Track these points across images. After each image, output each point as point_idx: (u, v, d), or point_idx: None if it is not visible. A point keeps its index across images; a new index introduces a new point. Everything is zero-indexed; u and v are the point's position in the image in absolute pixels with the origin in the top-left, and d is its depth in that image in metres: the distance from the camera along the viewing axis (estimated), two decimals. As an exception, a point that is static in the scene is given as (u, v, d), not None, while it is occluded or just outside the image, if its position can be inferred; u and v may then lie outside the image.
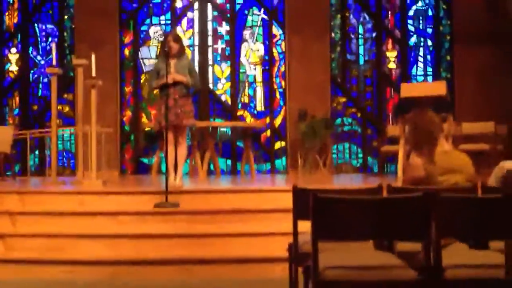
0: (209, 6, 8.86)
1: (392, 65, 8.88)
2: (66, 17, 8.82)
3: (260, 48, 8.85)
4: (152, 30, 8.84)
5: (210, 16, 8.86)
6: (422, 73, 8.89)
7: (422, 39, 8.91)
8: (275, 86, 8.79)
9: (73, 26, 8.65)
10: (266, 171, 8.61)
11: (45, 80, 8.77)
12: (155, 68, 5.35)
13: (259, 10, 8.86)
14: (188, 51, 8.05)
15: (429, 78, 8.82)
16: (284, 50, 8.74)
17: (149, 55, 8.82)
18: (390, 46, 8.89)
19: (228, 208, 4.59)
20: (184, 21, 8.88)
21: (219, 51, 8.85)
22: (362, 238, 2.69)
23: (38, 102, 8.85)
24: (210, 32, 8.83)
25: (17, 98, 8.83)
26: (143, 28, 8.83)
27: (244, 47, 8.84)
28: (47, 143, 7.76)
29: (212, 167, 7.92)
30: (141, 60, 8.82)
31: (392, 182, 3.00)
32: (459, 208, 2.40)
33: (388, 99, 8.86)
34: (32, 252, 4.24)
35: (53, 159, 5.68)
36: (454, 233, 2.49)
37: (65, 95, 8.66)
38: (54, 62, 6.08)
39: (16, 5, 8.89)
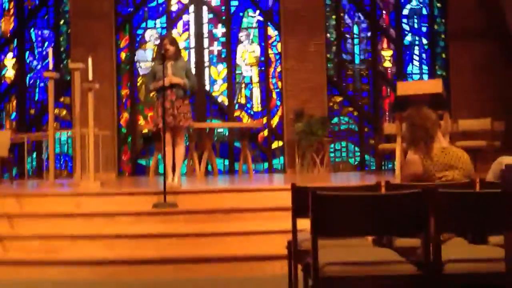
0: (205, 8, 8.87)
1: (387, 64, 8.91)
2: (61, 21, 8.83)
3: (256, 49, 8.87)
4: (148, 34, 8.85)
5: (205, 19, 8.87)
6: (418, 71, 8.93)
7: (417, 38, 8.95)
8: (272, 87, 8.81)
9: (69, 31, 8.65)
10: (264, 171, 8.63)
11: (42, 84, 8.77)
12: (152, 71, 5.36)
13: (254, 12, 8.88)
14: (184, 54, 8.06)
15: (425, 76, 8.86)
16: (280, 51, 8.76)
17: (145, 58, 8.83)
18: (385, 45, 8.92)
19: (226, 207, 4.60)
20: (180, 24, 8.89)
21: (215, 53, 8.87)
22: (361, 234, 2.70)
23: (35, 106, 8.84)
24: (206, 34, 8.84)
25: (14, 103, 8.83)
26: (139, 31, 8.83)
27: (240, 48, 8.86)
28: (45, 147, 7.76)
29: (209, 167, 7.92)
30: (137, 63, 8.83)
31: (390, 179, 3.01)
32: (458, 204, 2.41)
33: (384, 97, 8.89)
34: (30, 253, 4.23)
35: (51, 161, 5.67)
36: (453, 228, 2.50)
37: (62, 99, 8.66)
38: (50, 67, 6.08)
39: (12, 11, 8.89)
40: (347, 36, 8.89)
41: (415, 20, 8.95)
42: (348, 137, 8.77)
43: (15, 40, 8.88)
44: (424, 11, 8.95)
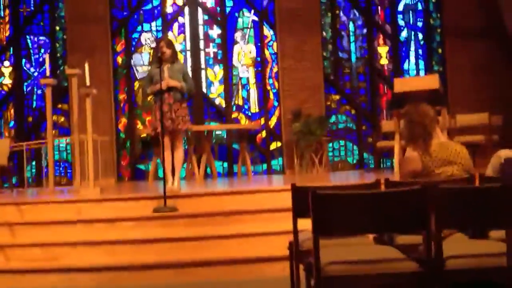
0: (200, 10, 8.87)
1: (384, 60, 8.91)
2: (57, 28, 8.82)
3: (252, 49, 8.86)
4: (143, 37, 8.85)
5: (201, 20, 8.86)
6: (415, 67, 8.93)
7: (413, 34, 8.95)
8: (269, 87, 8.81)
9: (65, 37, 8.65)
10: (263, 172, 8.62)
11: (39, 91, 8.76)
12: (148, 75, 5.35)
13: (250, 12, 8.87)
14: (180, 56, 8.06)
15: (422, 72, 8.86)
16: (276, 51, 8.76)
17: (141, 62, 8.82)
18: (381, 41, 8.92)
19: (226, 210, 4.60)
20: (176, 26, 8.88)
21: (211, 54, 8.86)
22: (363, 232, 2.70)
23: (33, 114, 8.83)
24: (201, 36, 8.84)
25: (12, 111, 8.82)
26: (135, 35, 8.83)
27: (236, 49, 8.85)
28: (44, 154, 7.75)
29: (208, 170, 7.91)
30: (134, 67, 8.82)
31: (389, 177, 3.01)
32: (458, 199, 2.41)
33: (381, 94, 8.89)
34: (32, 261, 4.23)
35: (50, 169, 5.67)
36: (454, 224, 2.50)
37: (60, 106, 8.64)
38: (47, 73, 6.08)
39: (7, 19, 8.88)
40: (343, 33, 8.90)
41: (411, 16, 8.96)
42: (346, 135, 8.77)
43: (11, 48, 8.87)
44: (420, 7, 8.95)
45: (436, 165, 3.04)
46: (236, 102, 8.84)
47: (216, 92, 8.85)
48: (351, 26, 8.91)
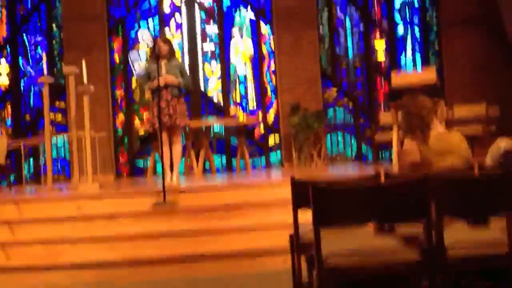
0: (197, 7, 8.85)
1: (381, 55, 8.92)
2: (54, 26, 8.80)
3: (249, 46, 8.86)
4: (140, 34, 8.83)
5: (198, 18, 8.86)
6: (411, 61, 8.94)
7: (409, 29, 8.96)
8: (266, 83, 8.81)
9: (62, 35, 8.62)
10: (261, 166, 8.63)
11: (36, 89, 8.74)
12: (146, 71, 5.34)
13: (246, 9, 8.87)
14: (178, 54, 8.04)
15: (418, 67, 8.87)
16: (273, 47, 8.76)
17: (138, 59, 8.81)
18: (378, 37, 8.93)
19: (226, 203, 4.60)
20: (173, 24, 8.87)
21: (209, 51, 8.86)
22: (363, 222, 2.71)
23: (30, 112, 8.82)
24: (198, 34, 8.83)
25: (9, 109, 8.80)
26: (132, 32, 8.82)
27: (233, 45, 8.85)
28: (41, 151, 7.73)
29: (207, 165, 7.92)
30: (131, 64, 8.81)
31: (388, 169, 3.02)
32: (458, 189, 2.42)
33: (378, 88, 8.90)
34: (32, 258, 4.23)
35: (48, 166, 5.66)
36: (454, 213, 2.51)
37: (57, 103, 8.63)
38: (45, 71, 6.06)
39: (4, 18, 8.85)
40: (340, 29, 8.90)
41: (407, 11, 8.96)
42: (344, 129, 8.78)
43: (8, 46, 8.84)
44: (416, 3, 8.96)
45: (434, 155, 3.05)
46: (234, 97, 8.85)
47: (214, 88, 8.86)
48: (347, 22, 8.91)
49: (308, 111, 8.17)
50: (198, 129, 7.76)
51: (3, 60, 8.83)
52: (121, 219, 4.49)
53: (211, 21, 8.85)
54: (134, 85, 8.76)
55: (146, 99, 8.21)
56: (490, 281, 2.52)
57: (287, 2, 8.48)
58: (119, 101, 8.74)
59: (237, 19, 8.84)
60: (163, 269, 4.08)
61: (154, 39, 7.10)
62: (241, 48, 8.86)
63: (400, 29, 8.93)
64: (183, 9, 8.85)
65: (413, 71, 8.41)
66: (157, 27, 8.80)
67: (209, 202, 4.68)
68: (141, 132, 8.24)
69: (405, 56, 8.95)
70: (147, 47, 8.67)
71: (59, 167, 8.57)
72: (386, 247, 2.45)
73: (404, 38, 8.94)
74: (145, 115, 8.43)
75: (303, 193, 2.59)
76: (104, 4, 8.63)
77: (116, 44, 8.78)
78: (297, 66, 8.48)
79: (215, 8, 8.84)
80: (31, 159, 8.50)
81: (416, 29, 8.94)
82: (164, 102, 5.05)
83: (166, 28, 8.77)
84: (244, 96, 8.84)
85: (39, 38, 8.84)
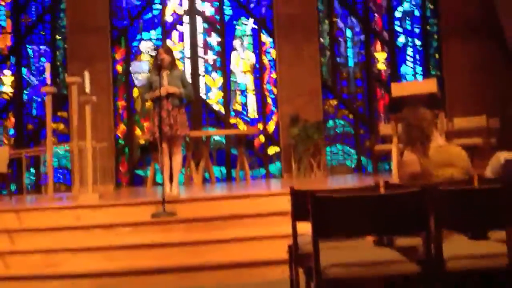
0: (199, 18, 8.92)
1: (381, 65, 8.95)
2: (58, 37, 8.87)
3: (250, 56, 8.91)
4: (143, 45, 8.90)
5: (200, 28, 8.92)
6: (412, 72, 8.97)
7: (410, 39, 9.00)
8: (267, 93, 8.84)
9: (65, 45, 8.69)
10: (261, 177, 8.63)
11: (39, 99, 8.78)
12: (148, 81, 5.36)
13: (248, 20, 8.93)
14: (180, 64, 8.08)
15: (419, 77, 8.90)
16: (274, 57, 8.80)
17: (140, 70, 8.86)
18: (378, 47, 8.97)
19: (225, 214, 4.59)
20: (175, 35, 8.93)
21: (210, 61, 8.90)
22: (363, 234, 2.70)
23: (33, 122, 8.85)
24: (200, 44, 8.89)
25: (12, 119, 8.84)
26: (135, 43, 8.88)
27: (234, 56, 8.90)
28: (43, 161, 7.75)
29: (207, 175, 7.92)
30: (133, 75, 8.86)
31: (388, 180, 3.01)
32: (458, 201, 2.41)
33: (378, 99, 8.92)
34: (31, 268, 4.22)
35: (49, 175, 5.66)
36: (454, 226, 2.50)
37: (59, 113, 8.66)
38: (48, 81, 6.10)
39: (9, 29, 8.94)
40: (340, 40, 8.94)
41: (408, 22, 9.01)
42: (344, 140, 8.79)
43: (12, 56, 8.91)
44: (417, 13, 9.01)
45: (434, 167, 3.04)
46: (235, 107, 8.87)
47: (215, 98, 8.89)
48: (348, 33, 8.96)
49: (308, 122, 8.19)
50: (199, 139, 7.77)
51: (7, 71, 8.89)
52: (120, 229, 4.49)
53: (213, 32, 8.91)
54: (136, 95, 8.80)
55: (146, 109, 8.24)
56: (490, 294, 2.51)
57: (288, 12, 8.54)
58: (120, 111, 8.78)
59: (238, 29, 8.90)
60: (162, 279, 4.06)
61: (156, 48, 7.14)
62: (242, 58, 8.91)
63: (401, 39, 8.98)
64: (185, 19, 8.91)
65: (413, 81, 8.43)
66: (160, 37, 8.87)
67: (208, 213, 4.68)
68: (142, 141, 8.27)
69: (406, 68, 8.98)
70: (149, 58, 8.73)
71: (60, 176, 8.59)
72: (385, 258, 2.44)
73: (404, 48, 8.98)
74: (146, 125, 8.46)
75: (302, 203, 2.58)
76: (107, 15, 8.70)
77: (119, 55, 8.84)
78: (298, 77, 8.51)
79: (217, 18, 8.90)
80: (32, 169, 8.52)
81: (416, 40, 8.98)
82: (165, 112, 5.06)
83: (168, 40, 8.84)
84: (245, 106, 8.87)
85: (42, 48, 8.90)
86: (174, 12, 8.96)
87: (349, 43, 8.94)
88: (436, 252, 2.37)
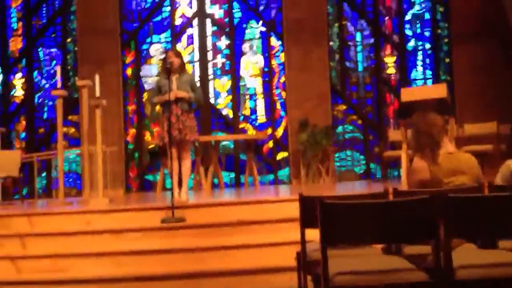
0: (208, 21, 8.95)
1: (391, 70, 8.91)
2: (68, 40, 8.95)
3: (259, 60, 8.92)
4: (152, 48, 8.95)
5: (209, 31, 8.95)
6: (422, 76, 8.92)
7: (420, 43, 8.96)
8: (276, 97, 8.84)
9: (76, 49, 8.76)
10: (270, 182, 8.62)
11: (50, 103, 8.86)
12: (157, 85, 5.37)
13: (257, 23, 8.94)
14: (188, 67, 8.12)
15: (429, 82, 8.85)
16: (283, 61, 8.80)
17: (150, 73, 8.91)
18: (388, 51, 8.93)
19: (233, 220, 4.59)
20: (184, 38, 8.98)
21: (219, 65, 8.93)
22: (371, 242, 2.69)
23: (44, 125, 8.93)
24: (209, 47, 8.92)
25: (23, 122, 8.93)
26: (144, 46, 8.93)
27: (243, 60, 8.91)
28: (54, 165, 7.81)
29: (216, 180, 7.93)
30: (142, 79, 8.91)
31: (397, 187, 3.00)
32: (468, 208, 2.40)
33: (388, 104, 8.88)
34: (42, 273, 4.25)
35: (60, 180, 5.71)
36: (463, 234, 2.49)
37: (70, 117, 8.73)
38: (59, 85, 6.15)
39: (20, 31, 9.03)
40: (350, 43, 8.92)
41: (418, 25, 8.97)
42: (353, 145, 8.75)
43: (24, 59, 9.01)
44: (427, 16, 8.97)
45: (444, 175, 3.02)
46: (244, 112, 8.88)
47: (223, 103, 8.91)
48: (358, 36, 8.94)
49: (317, 127, 8.17)
50: (208, 144, 7.79)
51: (18, 74, 8.99)
52: (129, 234, 4.51)
53: (222, 35, 8.94)
54: (145, 100, 8.85)
55: (156, 113, 8.28)
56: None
57: (297, 15, 8.53)
58: (130, 115, 8.83)
59: (247, 32, 8.91)
60: (170, 285, 4.07)
61: (166, 51, 7.19)
62: (251, 62, 8.92)
63: (411, 43, 8.94)
64: (195, 22, 8.95)
65: (423, 86, 8.38)
66: (169, 40, 8.92)
67: (217, 219, 4.68)
68: (151, 145, 8.31)
69: (416, 72, 8.93)
70: (159, 61, 8.78)
71: (70, 181, 8.65)
72: (394, 267, 2.43)
73: (414, 52, 8.93)
74: (156, 130, 8.50)
75: (310, 210, 2.58)
76: (118, 18, 8.76)
77: (129, 59, 8.90)
78: (306, 81, 8.50)
79: (226, 21, 8.93)
80: (44, 173, 8.59)
81: (427, 44, 8.94)
82: (174, 117, 5.07)
83: (178, 44, 8.89)
84: (254, 111, 8.88)
85: (53, 51, 8.99)
86: (183, 14, 9.01)
87: (359, 47, 8.92)
88: (445, 261, 2.36)
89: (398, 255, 2.71)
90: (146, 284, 4.10)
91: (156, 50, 8.93)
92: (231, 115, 8.85)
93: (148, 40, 8.94)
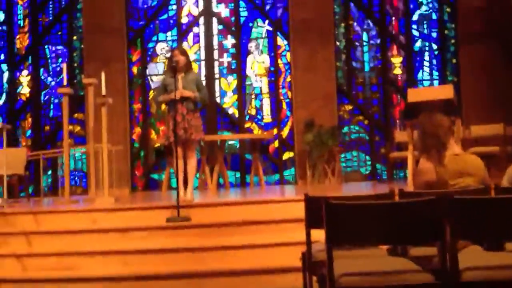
0: (214, 20, 8.96)
1: (397, 70, 8.88)
2: (75, 37, 8.98)
3: (265, 59, 8.92)
4: (159, 47, 8.96)
5: (215, 30, 8.95)
6: (428, 77, 8.89)
7: (427, 44, 8.92)
8: (282, 97, 8.84)
9: (82, 46, 8.79)
10: (275, 182, 8.62)
11: (56, 101, 8.90)
12: (162, 83, 5.38)
13: (264, 22, 8.94)
14: (195, 66, 8.12)
15: (435, 82, 8.81)
16: (289, 61, 8.79)
17: (156, 72, 8.92)
18: (395, 52, 8.91)
19: (239, 220, 4.60)
20: (190, 36, 8.99)
21: (225, 64, 8.93)
22: (377, 243, 2.69)
23: (50, 123, 8.97)
24: (216, 46, 8.92)
25: (29, 120, 8.96)
26: (150, 45, 8.95)
27: (249, 59, 8.91)
28: (60, 163, 7.84)
29: (221, 180, 7.94)
30: (148, 77, 8.93)
31: (402, 188, 2.99)
32: (474, 210, 2.39)
33: (394, 105, 8.85)
34: (48, 271, 4.27)
35: (66, 178, 5.73)
36: (469, 236, 2.48)
37: (76, 115, 8.76)
38: (65, 82, 6.18)
39: (26, 28, 9.08)
40: (357, 44, 8.90)
41: (425, 26, 8.94)
42: (359, 146, 8.73)
43: (30, 57, 9.05)
44: (434, 16, 8.93)
45: (450, 176, 3.01)
46: (249, 111, 8.88)
47: (229, 102, 8.91)
48: (364, 36, 8.92)
49: (323, 127, 8.16)
50: (213, 143, 7.79)
51: (24, 71, 9.03)
52: (135, 233, 4.52)
53: (228, 34, 8.94)
54: (151, 98, 8.87)
55: (162, 112, 8.30)
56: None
57: (304, 14, 8.52)
58: (136, 114, 8.85)
59: (254, 31, 8.91)
60: (175, 285, 4.08)
61: (172, 49, 7.20)
62: (257, 61, 8.92)
63: (418, 43, 8.90)
64: (201, 21, 8.96)
65: (430, 87, 8.34)
66: (175, 39, 8.93)
67: (222, 218, 4.68)
68: (157, 144, 8.32)
69: (423, 73, 8.90)
70: (165, 60, 8.79)
71: (76, 179, 8.68)
72: (399, 268, 2.43)
73: (421, 52, 8.90)
74: (162, 129, 8.52)
75: (316, 210, 2.58)
76: (124, 16, 8.78)
77: (135, 57, 8.92)
78: (313, 81, 8.49)
79: (232, 20, 8.93)
80: (50, 171, 8.63)
81: (434, 44, 8.90)
82: (180, 116, 5.07)
83: (184, 43, 8.90)
84: (259, 111, 8.88)
85: (59, 49, 9.02)
86: (190, 13, 9.02)
87: (365, 47, 8.90)
88: (451, 263, 2.35)
89: (404, 256, 2.70)
90: (151, 283, 4.11)
91: (161, 48, 8.95)
92: (237, 115, 8.85)
93: (154, 38, 8.96)
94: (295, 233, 3.90)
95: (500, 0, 8.18)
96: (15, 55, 9.05)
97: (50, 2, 9.06)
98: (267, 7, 8.92)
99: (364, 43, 8.90)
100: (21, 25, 9.10)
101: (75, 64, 8.93)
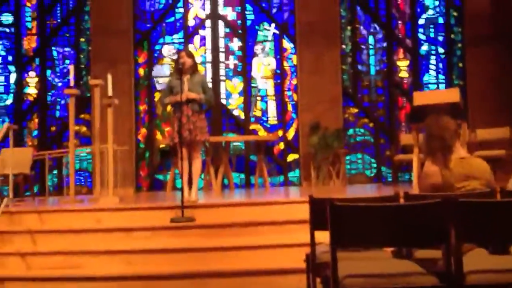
0: (221, 23, 8.99)
1: (403, 74, 8.87)
2: (82, 39, 9.03)
3: (271, 62, 8.93)
4: (165, 49, 9.00)
5: (222, 33, 8.98)
6: (435, 81, 8.87)
7: (433, 47, 8.91)
8: (287, 99, 8.85)
9: (89, 48, 8.85)
10: (280, 184, 8.62)
11: (63, 101, 8.95)
12: (168, 85, 5.40)
13: (270, 25, 8.96)
14: (201, 68, 8.15)
15: (442, 86, 8.79)
16: (295, 63, 8.80)
17: (162, 74, 8.96)
18: (401, 55, 8.90)
19: (243, 221, 4.59)
20: (197, 39, 9.02)
21: (231, 66, 8.96)
22: (381, 245, 2.68)
23: (56, 124, 9.02)
24: (222, 49, 8.95)
25: (36, 120, 9.02)
26: (157, 47, 8.99)
27: (255, 61, 8.93)
28: (65, 163, 7.88)
29: (226, 181, 7.95)
30: (154, 79, 8.97)
31: (408, 191, 2.98)
32: (479, 213, 2.38)
33: (400, 108, 8.84)
34: (52, 269, 4.29)
35: (71, 178, 5.76)
36: (474, 239, 2.47)
37: (82, 116, 8.81)
38: (71, 84, 6.21)
39: (34, 30, 9.14)
40: (363, 47, 8.90)
41: (431, 30, 8.92)
42: (364, 149, 8.72)
43: (37, 58, 9.11)
44: (441, 20, 8.91)
45: (456, 179, 3.00)
46: (255, 113, 8.90)
47: (235, 104, 8.93)
48: (371, 40, 8.91)
49: (328, 130, 8.16)
50: (218, 144, 7.81)
51: (31, 72, 9.09)
52: (139, 233, 4.53)
53: (234, 36, 8.96)
54: (157, 99, 8.90)
55: (167, 113, 8.32)
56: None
57: (310, 17, 8.54)
58: (142, 115, 8.89)
59: (260, 34, 8.93)
60: (178, 285, 4.08)
61: (178, 51, 7.22)
62: (263, 64, 8.94)
63: (424, 47, 8.89)
64: (208, 23, 8.99)
65: (436, 90, 8.33)
66: (182, 41, 8.96)
67: (226, 219, 4.69)
68: (162, 145, 8.34)
69: (429, 76, 8.88)
70: (171, 62, 8.83)
71: (81, 179, 8.72)
72: (404, 271, 2.42)
73: (427, 56, 8.89)
74: (167, 130, 8.54)
75: (320, 211, 2.57)
76: (131, 18, 8.83)
77: (141, 59, 8.96)
78: (319, 84, 8.50)
79: (239, 23, 8.96)
80: (55, 171, 8.67)
81: (440, 48, 8.88)
82: (185, 118, 5.09)
83: (190, 45, 8.93)
84: (265, 113, 8.89)
85: (67, 50, 9.08)
86: (196, 16, 9.05)
87: (371, 51, 8.90)
88: (456, 266, 2.34)
89: (409, 258, 2.69)
90: (155, 283, 4.11)
91: (168, 51, 8.98)
92: (242, 116, 8.86)
93: (161, 40, 9.00)
94: (299, 235, 3.90)
95: (506, 4, 8.16)
96: (22, 56, 9.12)
97: (58, 5, 9.12)
98: (274, 10, 8.94)
99: (370, 47, 8.90)
100: (29, 27, 9.17)
101: (82, 66, 8.99)
